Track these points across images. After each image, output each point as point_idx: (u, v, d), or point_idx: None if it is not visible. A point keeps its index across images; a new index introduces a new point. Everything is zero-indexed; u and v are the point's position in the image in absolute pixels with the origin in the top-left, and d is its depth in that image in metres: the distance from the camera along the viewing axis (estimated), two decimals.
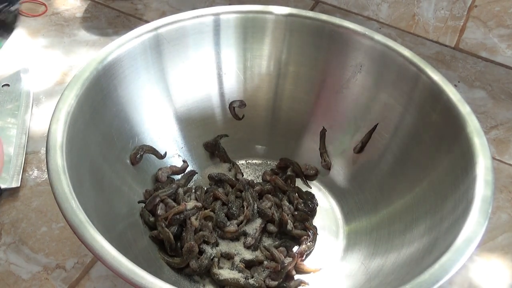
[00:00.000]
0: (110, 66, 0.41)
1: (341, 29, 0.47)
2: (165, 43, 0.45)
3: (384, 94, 0.46)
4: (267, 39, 0.48)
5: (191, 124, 0.48)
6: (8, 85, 0.57)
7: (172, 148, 0.48)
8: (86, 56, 0.63)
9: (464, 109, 0.40)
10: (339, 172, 0.49)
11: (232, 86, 0.49)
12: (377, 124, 0.46)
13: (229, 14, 0.47)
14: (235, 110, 0.50)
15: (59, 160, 0.34)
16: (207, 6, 0.72)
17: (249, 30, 0.48)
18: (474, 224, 0.33)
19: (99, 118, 0.40)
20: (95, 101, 0.40)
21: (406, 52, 0.45)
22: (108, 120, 0.41)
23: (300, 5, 0.73)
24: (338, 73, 0.48)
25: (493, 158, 0.56)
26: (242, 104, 0.50)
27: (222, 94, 0.49)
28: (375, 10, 0.72)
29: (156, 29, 0.45)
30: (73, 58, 0.63)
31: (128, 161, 0.43)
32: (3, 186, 0.48)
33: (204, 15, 0.46)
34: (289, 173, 0.49)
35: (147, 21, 0.66)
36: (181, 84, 0.47)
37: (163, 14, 0.70)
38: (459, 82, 0.65)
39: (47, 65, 0.62)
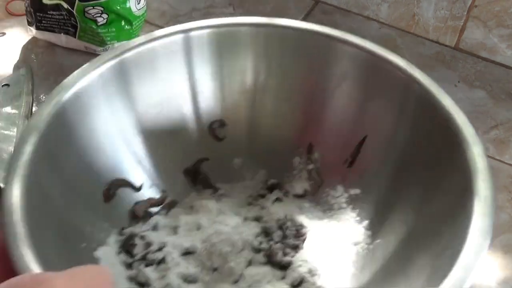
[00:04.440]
0: (64, 111, 0.37)
1: (321, 37, 0.43)
2: (131, 69, 0.41)
3: (373, 104, 0.43)
4: (243, 53, 0.45)
5: (167, 150, 0.45)
6: (8, 85, 0.57)
7: (149, 179, 0.44)
8: (84, 57, 0.63)
9: (460, 118, 0.37)
10: (329, 191, 0.46)
11: (210, 105, 0.46)
12: (366, 136, 0.44)
13: (200, 30, 0.43)
14: (216, 131, 0.47)
15: (19, 232, 0.29)
16: (207, 6, 0.72)
17: (224, 45, 0.44)
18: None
19: (60, 169, 0.36)
20: (53, 151, 0.36)
21: (394, 58, 0.41)
22: (71, 167, 0.38)
23: (300, 5, 0.73)
24: (322, 84, 0.45)
25: (493, 158, 0.56)
26: (222, 124, 0.46)
27: (199, 116, 0.46)
28: (375, 10, 0.72)
29: (119, 55, 0.41)
30: (74, 58, 0.63)
31: (101, 198, 0.40)
32: (2, 186, 0.47)
33: (172, 34, 0.43)
34: (276, 196, 0.46)
35: (147, 21, 0.66)
36: (153, 111, 0.44)
37: (163, 14, 0.70)
38: (459, 82, 0.65)
39: (48, 64, 0.62)
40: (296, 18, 0.71)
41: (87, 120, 0.39)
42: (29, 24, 0.64)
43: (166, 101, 0.44)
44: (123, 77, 0.41)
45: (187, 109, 0.45)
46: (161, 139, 0.44)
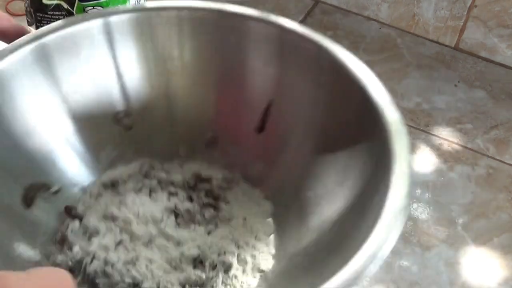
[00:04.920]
0: None
1: (227, 15, 0.44)
2: (54, 52, 0.41)
3: (280, 70, 0.43)
4: (162, 36, 0.45)
5: (98, 132, 0.44)
6: None
7: (79, 159, 0.44)
8: None
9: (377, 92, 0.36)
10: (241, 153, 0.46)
11: (134, 92, 0.46)
12: (272, 100, 0.44)
13: (121, 14, 0.44)
14: (123, 121, 0.46)
15: None
16: None
17: (144, 29, 0.45)
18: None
19: None
20: None
21: (305, 31, 0.41)
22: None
23: (300, 5, 0.73)
24: (236, 61, 0.45)
25: (493, 158, 0.56)
26: (126, 114, 0.46)
27: (126, 101, 0.46)
28: (375, 10, 0.72)
29: (38, 38, 0.40)
30: None
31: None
32: None
33: (92, 18, 0.43)
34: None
35: None
36: (80, 95, 0.43)
37: None
38: (459, 82, 0.65)
39: None
40: (296, 18, 0.71)
41: (11, 104, 0.39)
42: (29, 24, 0.64)
43: (92, 88, 0.44)
44: (47, 61, 0.41)
45: (114, 97, 0.45)
46: (90, 123, 0.44)
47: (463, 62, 0.68)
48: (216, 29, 0.45)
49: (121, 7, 0.44)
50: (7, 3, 0.69)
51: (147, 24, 0.45)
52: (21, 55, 0.40)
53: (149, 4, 0.45)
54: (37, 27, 0.64)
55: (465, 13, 0.67)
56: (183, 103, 0.48)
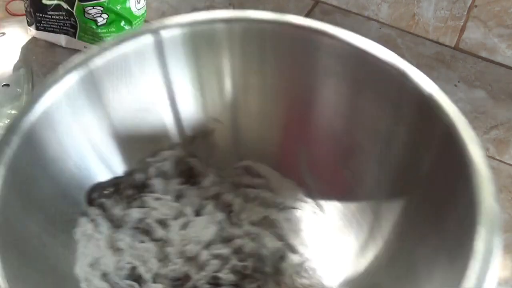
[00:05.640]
0: (29, 135, 0.34)
1: (300, 30, 0.40)
2: (102, 77, 0.38)
3: (365, 101, 0.39)
4: (221, 51, 0.41)
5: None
6: (8, 85, 0.57)
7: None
8: None
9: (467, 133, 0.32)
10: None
11: (190, 111, 0.43)
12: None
13: (172, 28, 0.40)
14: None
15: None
16: (207, 6, 0.72)
17: (200, 43, 0.41)
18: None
19: (33, 200, 0.34)
20: (23, 182, 0.33)
21: (379, 52, 0.37)
22: (46, 195, 0.35)
23: (300, 5, 0.73)
24: (305, 80, 0.41)
25: (493, 158, 0.56)
26: (205, 134, 0.44)
27: (179, 123, 0.43)
28: (375, 10, 0.72)
29: (85, 62, 0.37)
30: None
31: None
32: None
33: (142, 34, 0.39)
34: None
35: (146, 21, 0.66)
36: (129, 120, 0.40)
37: (163, 14, 0.70)
38: (459, 82, 0.65)
39: (48, 64, 0.62)
40: None
41: (55, 139, 0.36)
42: (29, 24, 0.64)
43: (143, 109, 0.41)
44: (95, 87, 0.38)
45: (167, 116, 0.42)
46: (139, 149, 0.42)
47: (463, 62, 0.68)
48: (289, 43, 0.40)
49: (171, 19, 0.40)
50: (7, 3, 0.69)
51: (205, 37, 0.40)
52: (68, 86, 0.37)
53: (202, 16, 0.41)
54: (37, 27, 0.64)
55: (465, 13, 0.67)
56: (250, 125, 0.43)
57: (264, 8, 0.73)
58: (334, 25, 0.40)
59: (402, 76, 0.36)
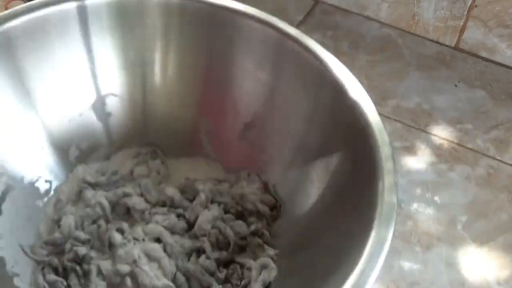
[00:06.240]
0: None
1: (226, 12, 0.40)
2: (18, 39, 0.36)
3: (284, 86, 0.39)
4: (147, 27, 0.41)
5: (70, 144, 0.41)
6: None
7: (45, 168, 0.40)
8: None
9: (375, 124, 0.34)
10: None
11: (110, 84, 0.42)
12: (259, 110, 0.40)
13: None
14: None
15: None
16: None
17: (125, 17, 0.40)
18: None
19: None
20: None
21: (303, 40, 0.37)
22: None
23: (300, 5, 0.73)
24: (225, 62, 0.41)
25: (493, 158, 0.56)
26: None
27: (98, 92, 0.42)
28: (375, 10, 0.72)
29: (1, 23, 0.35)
30: None
31: None
32: None
33: (65, 1, 0.38)
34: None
35: None
36: (48, 89, 0.39)
37: None
38: (459, 82, 0.65)
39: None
40: (296, 18, 0.71)
41: None
42: None
43: (62, 78, 0.40)
44: (7, 50, 0.37)
45: (85, 85, 0.42)
46: (63, 127, 0.41)
47: (463, 62, 0.68)
48: (207, 23, 0.41)
49: None
50: (7, 2, 0.69)
51: (131, 11, 0.40)
52: None
53: None
54: None
55: (465, 13, 0.67)
56: (159, 100, 0.44)
57: (264, 8, 0.73)
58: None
59: (322, 66, 0.37)
